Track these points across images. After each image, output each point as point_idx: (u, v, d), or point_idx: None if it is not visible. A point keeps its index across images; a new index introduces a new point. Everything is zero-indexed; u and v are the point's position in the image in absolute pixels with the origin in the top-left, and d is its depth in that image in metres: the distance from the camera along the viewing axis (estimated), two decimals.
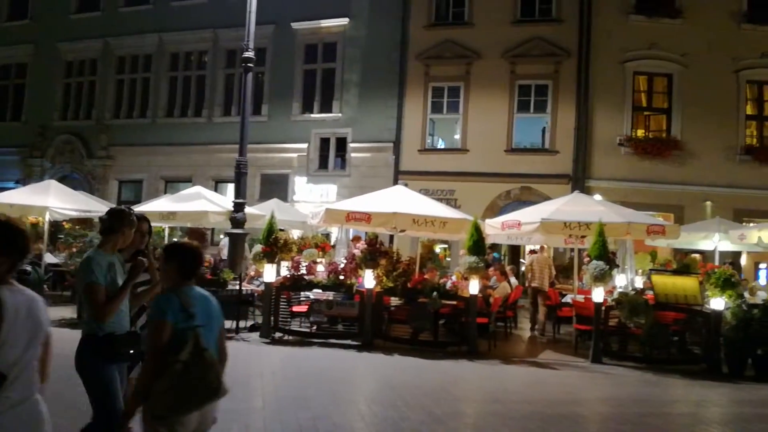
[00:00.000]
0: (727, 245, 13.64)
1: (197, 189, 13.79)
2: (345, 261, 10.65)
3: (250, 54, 12.53)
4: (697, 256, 14.93)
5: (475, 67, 17.70)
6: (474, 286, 9.65)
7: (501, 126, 17.46)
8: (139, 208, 13.03)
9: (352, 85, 18.90)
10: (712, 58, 16.67)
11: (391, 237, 14.16)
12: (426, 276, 11.07)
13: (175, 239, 17.12)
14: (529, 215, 11.05)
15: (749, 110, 17.20)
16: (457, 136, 18.16)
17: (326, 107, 19.28)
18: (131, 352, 3.59)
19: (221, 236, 16.70)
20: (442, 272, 14.37)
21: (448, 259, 17.73)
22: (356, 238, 12.97)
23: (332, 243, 14.83)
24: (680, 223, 14.10)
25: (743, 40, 16.76)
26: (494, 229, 11.25)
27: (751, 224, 14.27)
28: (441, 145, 19.10)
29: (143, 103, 21.66)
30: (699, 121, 16.63)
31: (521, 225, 10.67)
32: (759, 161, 16.59)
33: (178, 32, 20.82)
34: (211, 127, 20.29)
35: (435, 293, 9.63)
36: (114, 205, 8.98)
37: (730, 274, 9.29)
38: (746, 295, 10.49)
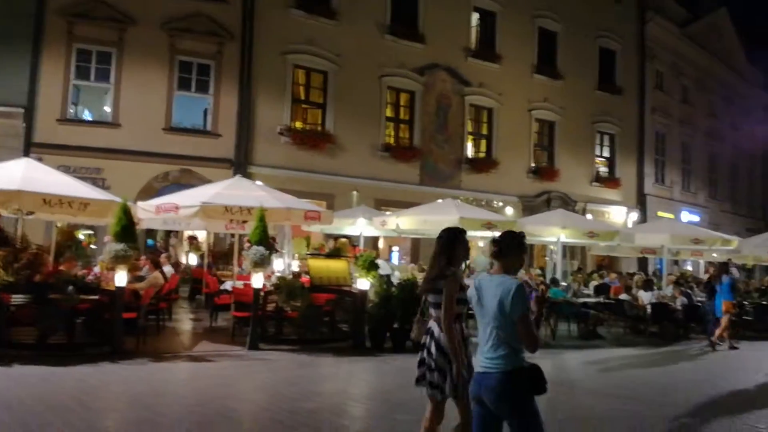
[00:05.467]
0: (371, 231, 15.20)
1: None
2: None
3: None
4: (345, 240, 16.26)
5: (130, 34, 15.94)
6: (121, 278, 8.49)
7: (159, 102, 16.15)
8: None
9: None
10: (361, 62, 18.41)
11: (16, 221, 11.70)
12: (62, 267, 9.36)
13: None
14: (188, 198, 10.31)
15: (388, 113, 19.57)
16: (108, 108, 16.12)
17: None
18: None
19: None
20: (86, 262, 12.49)
21: (94, 246, 15.63)
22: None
23: None
24: (331, 210, 15.13)
25: (386, 50, 18.96)
26: (148, 212, 10.20)
27: (388, 212, 16.19)
28: (87, 116, 16.71)
29: None
30: (349, 119, 18.21)
31: (179, 209, 9.88)
32: (395, 158, 19.07)
33: None
34: None
35: (71, 287, 8.18)
36: None
37: (374, 257, 10.20)
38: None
